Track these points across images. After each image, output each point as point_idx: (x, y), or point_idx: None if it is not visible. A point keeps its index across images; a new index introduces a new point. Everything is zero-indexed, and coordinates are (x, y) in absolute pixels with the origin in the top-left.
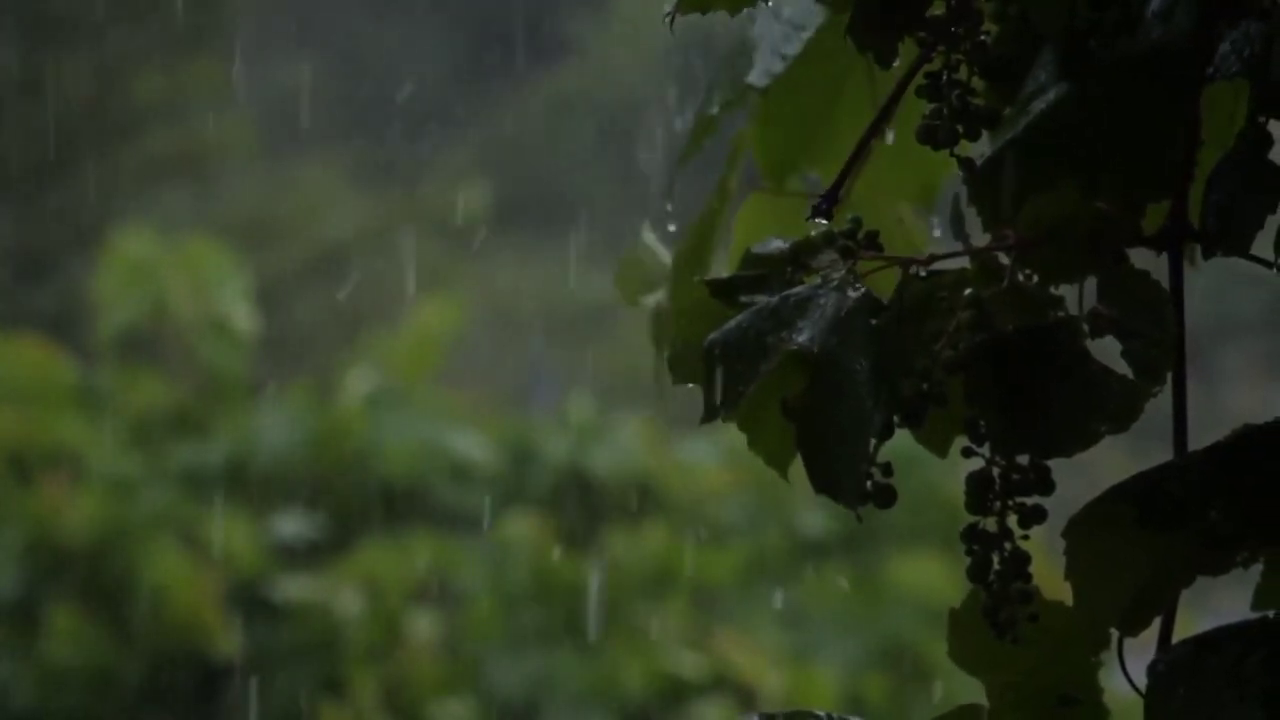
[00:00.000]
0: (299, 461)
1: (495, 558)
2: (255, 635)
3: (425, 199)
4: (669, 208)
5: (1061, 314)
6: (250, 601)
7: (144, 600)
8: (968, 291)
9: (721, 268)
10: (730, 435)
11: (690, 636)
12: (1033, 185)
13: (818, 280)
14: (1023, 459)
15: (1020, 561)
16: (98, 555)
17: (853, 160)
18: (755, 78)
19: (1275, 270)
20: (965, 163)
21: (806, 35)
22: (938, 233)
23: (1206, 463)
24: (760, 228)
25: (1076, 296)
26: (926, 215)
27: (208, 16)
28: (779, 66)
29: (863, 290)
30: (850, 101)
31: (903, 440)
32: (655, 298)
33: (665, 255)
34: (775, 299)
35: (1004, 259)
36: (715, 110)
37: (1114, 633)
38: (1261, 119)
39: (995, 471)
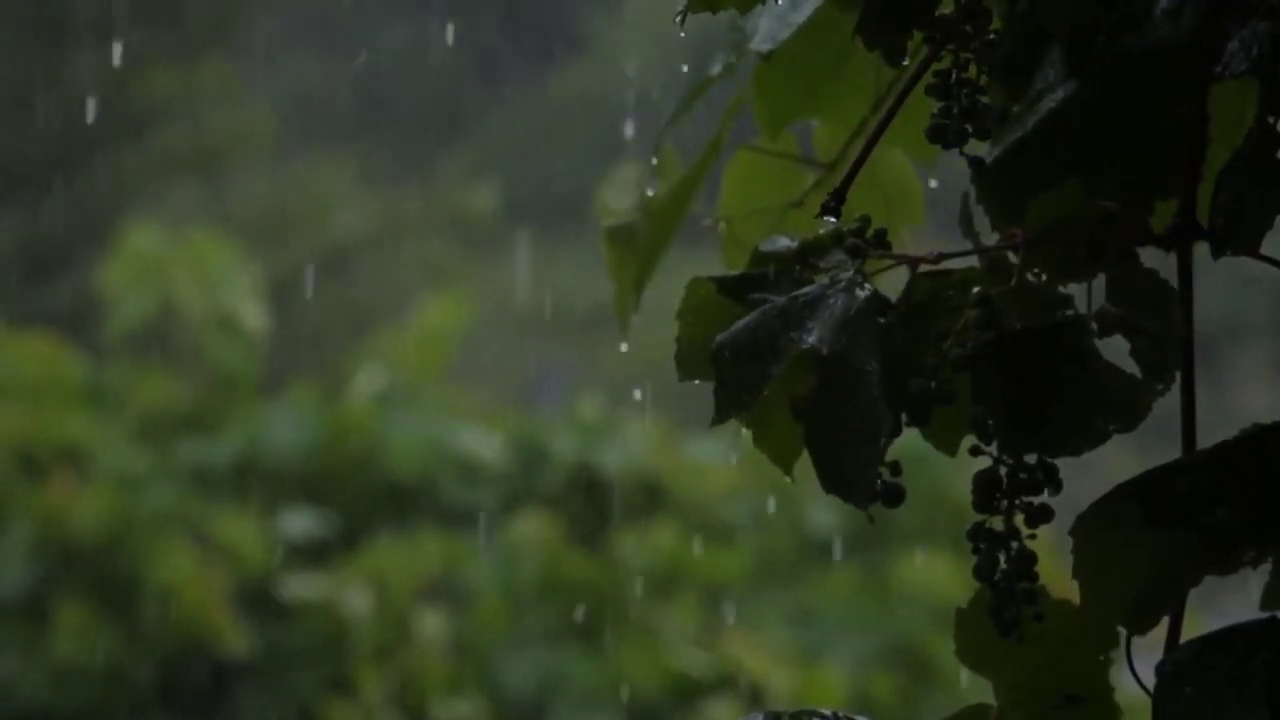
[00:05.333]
0: (307, 459)
1: (504, 556)
2: (263, 633)
3: (436, 197)
4: (654, 162)
5: (1070, 313)
6: (258, 599)
7: (153, 598)
8: (976, 290)
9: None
10: (739, 434)
11: (699, 635)
12: (1040, 183)
13: (826, 280)
14: (1030, 458)
15: (1027, 560)
16: (106, 552)
17: (863, 157)
18: (760, 43)
19: None
20: (974, 161)
21: (815, 4)
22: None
23: (1214, 462)
24: (748, 184)
25: (1085, 295)
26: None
27: (220, 15)
28: (786, 33)
29: (871, 289)
30: (857, 58)
31: (912, 439)
32: (624, 219)
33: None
34: (784, 299)
35: (1012, 258)
36: (716, 71)
37: (1122, 632)
38: (1270, 118)
39: (1003, 470)
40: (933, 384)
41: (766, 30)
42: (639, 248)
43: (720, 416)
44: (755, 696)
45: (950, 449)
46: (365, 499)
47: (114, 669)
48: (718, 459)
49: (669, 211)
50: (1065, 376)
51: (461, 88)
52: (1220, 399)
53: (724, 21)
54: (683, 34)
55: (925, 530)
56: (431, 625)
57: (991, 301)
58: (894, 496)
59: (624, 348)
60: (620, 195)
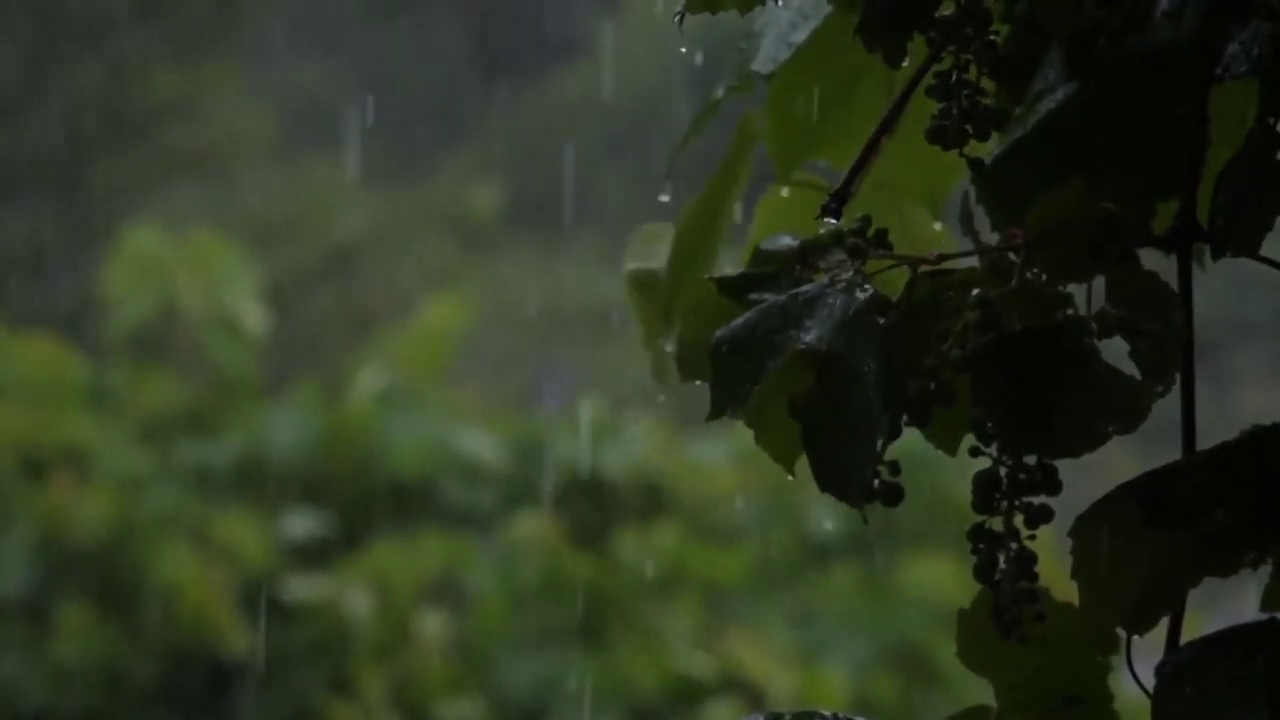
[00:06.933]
0: (309, 460)
1: (504, 557)
2: (265, 634)
3: (437, 198)
4: (666, 193)
5: (1070, 314)
6: (260, 600)
7: (154, 599)
8: (976, 291)
9: (734, 259)
10: (740, 435)
11: (700, 637)
12: (1041, 184)
13: (826, 279)
14: (1030, 459)
15: (1027, 561)
16: (108, 554)
17: (863, 159)
18: (761, 65)
19: None
20: (974, 162)
21: (814, 24)
22: (939, 225)
23: (1214, 463)
24: (779, 221)
25: (1085, 296)
26: (937, 213)
27: (222, 16)
28: (785, 54)
29: (871, 290)
30: (867, 92)
31: (914, 441)
32: (648, 264)
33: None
34: (783, 297)
35: (1013, 258)
36: (720, 94)
37: (1122, 633)
38: (1270, 119)
39: (1002, 471)
40: (932, 385)
41: (767, 51)
42: (663, 286)
43: (716, 412)
44: (756, 698)
45: (951, 449)
46: (366, 500)
47: (115, 670)
48: (719, 460)
49: (696, 236)
50: (1065, 378)
51: (462, 89)
52: (1220, 400)
53: (724, 21)
54: (681, 30)
55: (926, 531)
56: (432, 626)
57: (992, 303)
58: (892, 496)
59: (660, 398)
60: (650, 250)
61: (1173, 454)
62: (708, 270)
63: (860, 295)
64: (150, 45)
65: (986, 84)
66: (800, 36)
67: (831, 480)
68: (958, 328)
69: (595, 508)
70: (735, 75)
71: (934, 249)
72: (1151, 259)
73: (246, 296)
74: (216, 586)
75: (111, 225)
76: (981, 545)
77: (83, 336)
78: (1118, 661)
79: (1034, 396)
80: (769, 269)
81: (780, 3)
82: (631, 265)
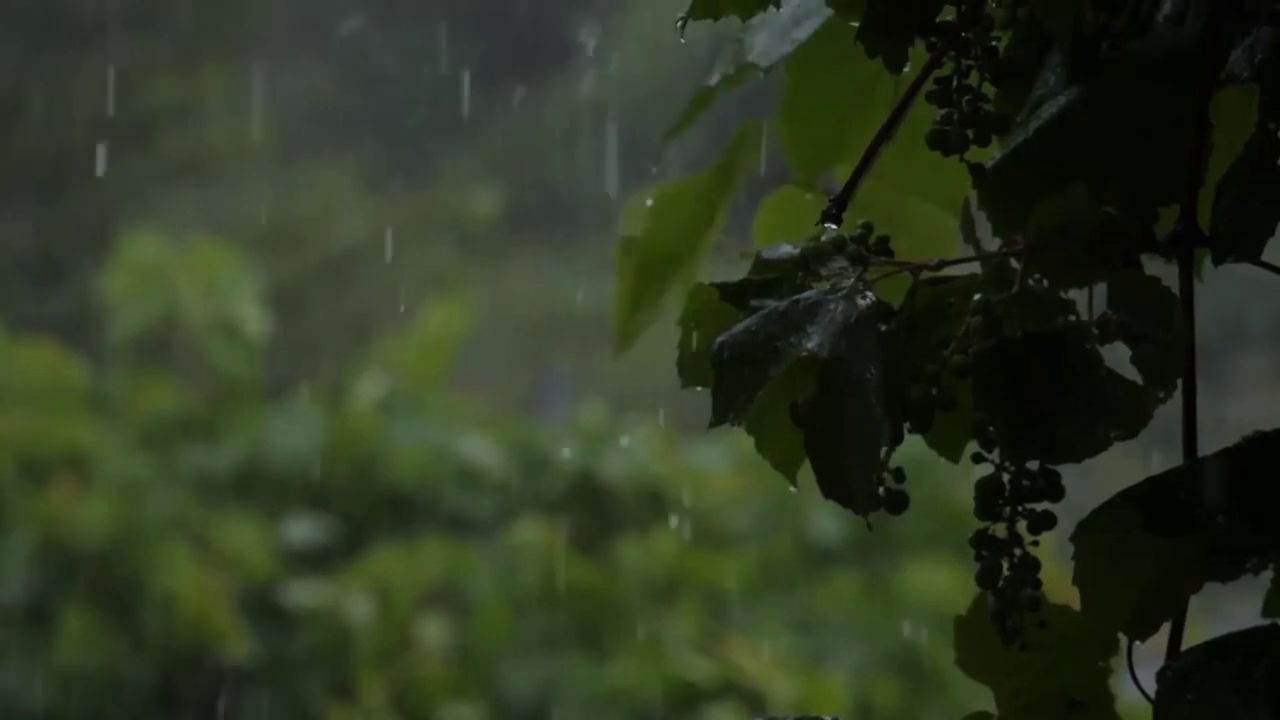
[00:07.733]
0: (310, 466)
1: (505, 563)
2: (265, 639)
3: (437, 203)
4: (655, 171)
5: (1071, 319)
6: (261, 606)
7: (155, 604)
8: (977, 297)
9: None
10: (740, 440)
11: (701, 642)
12: (1042, 189)
13: (827, 285)
14: (1032, 464)
15: (1030, 567)
16: (109, 559)
17: (864, 163)
18: (758, 57)
19: None
20: (975, 168)
21: (816, 22)
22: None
23: (1215, 468)
24: (780, 226)
25: (1086, 301)
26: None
27: (220, 21)
28: (786, 49)
29: (872, 296)
30: (882, 99)
31: (916, 446)
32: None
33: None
34: (785, 303)
35: (1014, 264)
36: (714, 83)
37: (1123, 638)
38: (1271, 124)
39: (1005, 477)
40: (934, 391)
41: (764, 46)
42: (645, 269)
43: (718, 418)
44: (757, 703)
45: (953, 455)
46: (367, 505)
47: (116, 675)
48: (720, 465)
49: (681, 237)
50: (1067, 383)
51: (462, 93)
52: (1221, 406)
53: (723, 29)
54: (683, 40)
55: (927, 537)
56: (433, 632)
57: (993, 308)
58: (897, 503)
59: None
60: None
61: (1174, 459)
62: (690, 275)
63: (862, 302)
64: (149, 49)
65: (988, 89)
66: (803, 34)
67: (835, 487)
68: (959, 333)
69: (596, 513)
70: (730, 65)
71: (951, 249)
72: (1152, 264)
73: (247, 301)
74: (217, 592)
75: (112, 231)
76: (985, 552)
77: (83, 342)
78: (1119, 666)
79: (1036, 402)
80: (770, 275)
81: (779, 8)
82: (626, 232)
